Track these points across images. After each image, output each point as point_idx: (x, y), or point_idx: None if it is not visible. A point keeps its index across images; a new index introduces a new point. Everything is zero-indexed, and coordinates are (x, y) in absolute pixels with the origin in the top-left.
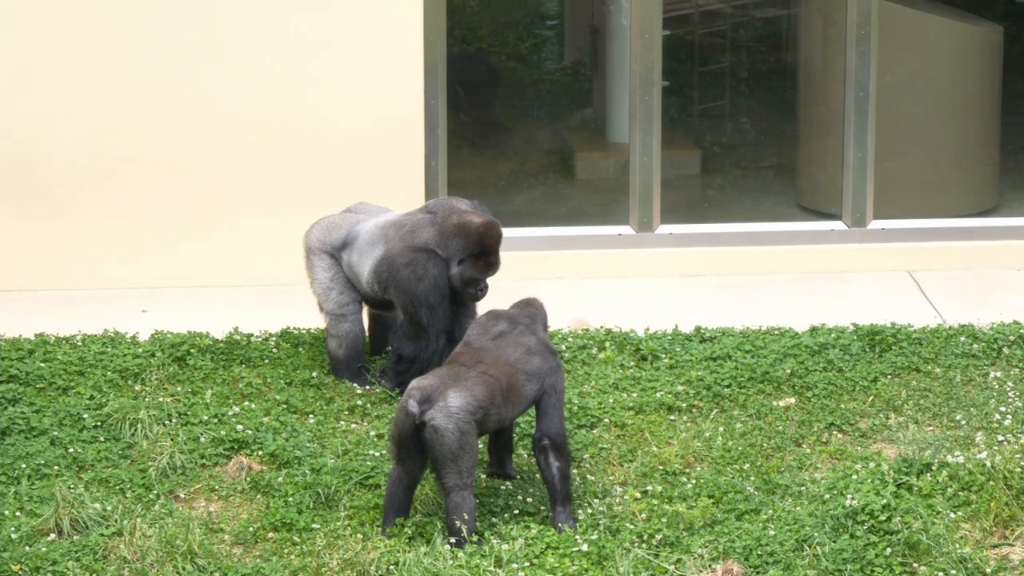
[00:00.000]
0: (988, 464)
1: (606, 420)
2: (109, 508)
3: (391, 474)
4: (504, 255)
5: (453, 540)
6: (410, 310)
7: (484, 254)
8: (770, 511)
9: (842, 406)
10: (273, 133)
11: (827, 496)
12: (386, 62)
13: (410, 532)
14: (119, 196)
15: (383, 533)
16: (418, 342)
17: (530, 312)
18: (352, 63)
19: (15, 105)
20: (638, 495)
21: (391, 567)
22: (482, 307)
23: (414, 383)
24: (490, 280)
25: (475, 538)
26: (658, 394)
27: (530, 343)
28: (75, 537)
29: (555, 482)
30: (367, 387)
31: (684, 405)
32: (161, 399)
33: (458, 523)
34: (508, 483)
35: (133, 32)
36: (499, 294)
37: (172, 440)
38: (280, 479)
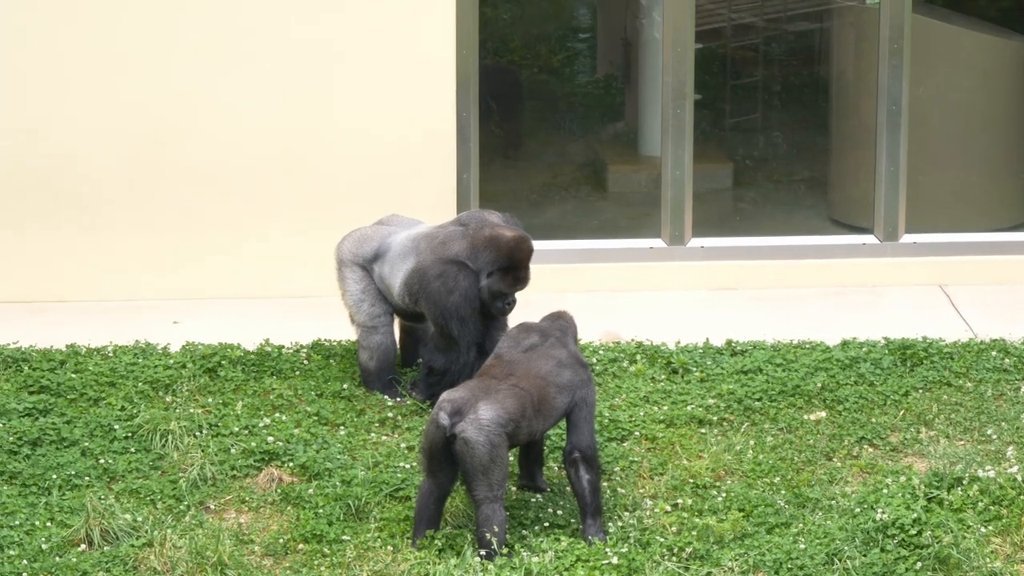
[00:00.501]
0: (1019, 478)
1: (637, 433)
2: (140, 519)
3: (421, 486)
4: (536, 267)
5: (483, 552)
6: (441, 322)
7: (513, 268)
8: (800, 525)
9: (873, 420)
10: (305, 146)
11: (858, 510)
12: (418, 75)
13: (440, 544)
14: (151, 208)
15: (413, 545)
16: (449, 354)
17: (561, 325)
18: (384, 76)
19: (46, 120)
20: (668, 508)
21: None
22: (513, 320)
23: (445, 395)
24: (522, 293)
25: (505, 550)
26: (689, 407)
27: (561, 356)
28: (105, 548)
29: (585, 495)
30: (398, 399)
31: (715, 418)
32: (192, 410)
33: (488, 535)
34: (538, 496)
35: (165, 46)
36: (530, 307)
37: (203, 451)
38: (310, 491)
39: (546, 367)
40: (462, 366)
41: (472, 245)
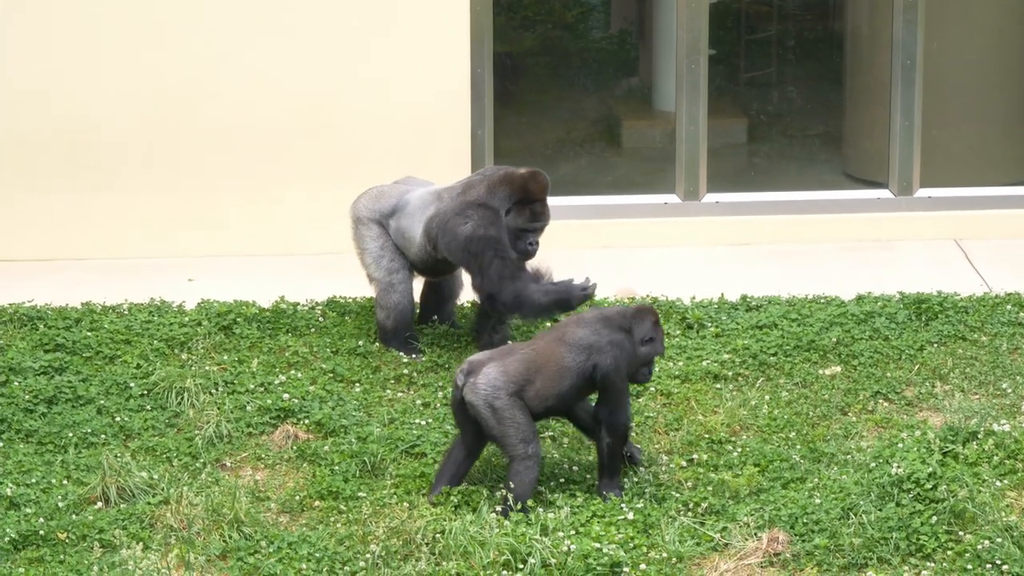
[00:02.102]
0: None
1: (652, 388)
2: (156, 477)
3: (452, 442)
4: (551, 223)
5: (499, 508)
6: (468, 251)
7: (529, 201)
8: (816, 479)
9: (888, 375)
10: (319, 103)
11: (873, 464)
12: (432, 32)
13: (456, 500)
14: (168, 166)
15: (429, 500)
16: (486, 282)
17: (624, 310)
18: (398, 34)
19: (68, 78)
20: (684, 463)
21: (437, 535)
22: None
23: (471, 356)
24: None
25: (518, 506)
26: (704, 363)
27: (588, 317)
28: (122, 505)
29: (603, 456)
30: (413, 356)
31: (730, 374)
32: (207, 368)
33: (505, 492)
34: (554, 452)
35: (185, 5)
36: (546, 262)
37: (218, 409)
38: (326, 448)
39: (567, 329)
40: (519, 286)
41: (488, 186)
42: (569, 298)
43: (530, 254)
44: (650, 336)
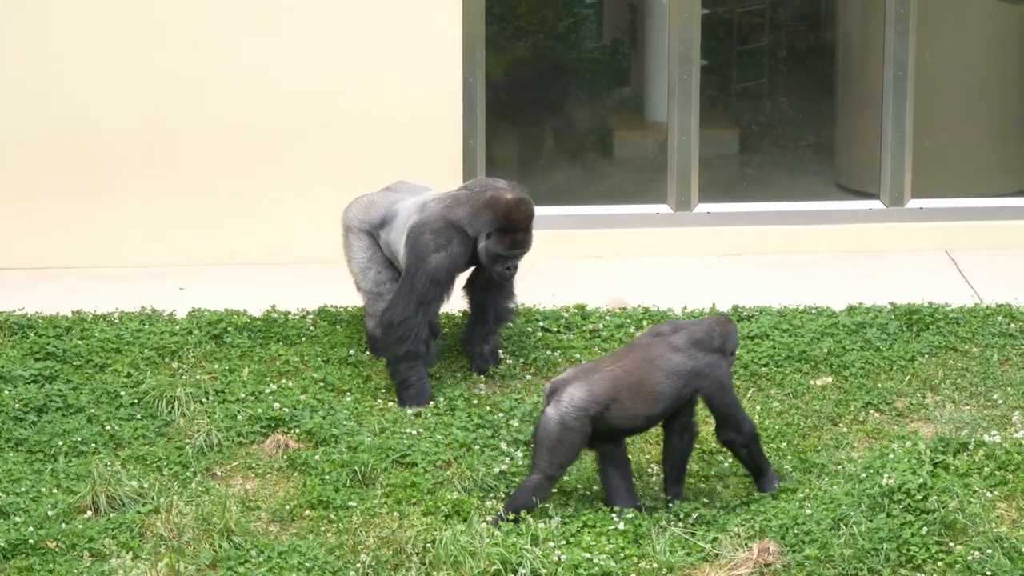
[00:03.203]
0: None
1: None
2: (146, 486)
3: (601, 467)
4: (542, 233)
5: (490, 518)
6: (412, 270)
7: (511, 230)
8: (806, 490)
9: (879, 385)
10: (313, 112)
11: (863, 475)
12: (425, 41)
13: (447, 510)
14: (159, 175)
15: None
16: (404, 308)
17: (705, 326)
18: (391, 43)
19: (64, 82)
20: None
21: (427, 545)
22: (521, 289)
23: (555, 378)
24: (528, 258)
25: (511, 516)
26: None
27: (678, 342)
28: (112, 514)
29: (748, 463)
30: None
31: None
32: (198, 377)
33: (510, 500)
34: None
35: (183, 8)
36: (537, 271)
37: (209, 418)
38: (317, 457)
39: (658, 351)
40: (412, 328)
41: (473, 207)
42: (396, 378)
43: (507, 277)
44: (737, 346)
